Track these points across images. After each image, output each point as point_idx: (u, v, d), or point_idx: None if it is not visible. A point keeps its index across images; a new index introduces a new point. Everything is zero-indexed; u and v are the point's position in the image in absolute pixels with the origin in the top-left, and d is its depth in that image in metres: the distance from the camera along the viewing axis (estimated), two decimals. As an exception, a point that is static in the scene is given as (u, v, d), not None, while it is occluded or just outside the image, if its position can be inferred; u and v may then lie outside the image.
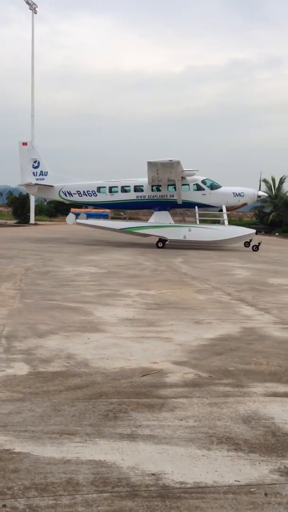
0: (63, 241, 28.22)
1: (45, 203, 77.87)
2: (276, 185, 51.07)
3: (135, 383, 5.14)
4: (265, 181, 50.90)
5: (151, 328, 7.69)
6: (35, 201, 57.78)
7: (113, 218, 31.61)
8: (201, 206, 27.41)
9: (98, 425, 4.10)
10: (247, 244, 26.65)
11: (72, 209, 68.73)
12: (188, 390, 5.00)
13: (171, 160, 24.26)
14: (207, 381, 5.28)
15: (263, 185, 47.49)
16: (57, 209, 72.85)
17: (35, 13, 53.56)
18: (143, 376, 5.37)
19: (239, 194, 27.58)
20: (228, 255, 23.35)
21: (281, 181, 51.49)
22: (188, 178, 27.07)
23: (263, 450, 3.78)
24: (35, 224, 52.45)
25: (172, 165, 24.60)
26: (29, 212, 54.23)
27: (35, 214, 55.85)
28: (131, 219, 31.33)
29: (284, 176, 51.70)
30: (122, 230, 28.02)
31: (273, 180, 51.72)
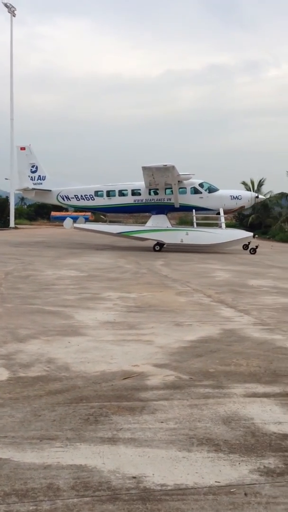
0: (43, 245, 28.07)
1: (25, 206, 77.28)
2: (255, 188, 51.59)
3: (116, 386, 5.14)
4: (244, 183, 51.43)
5: (132, 331, 7.69)
6: (15, 205, 57.41)
7: (111, 222, 32.22)
8: (199, 209, 27.43)
9: (78, 430, 4.09)
10: (245, 246, 26.71)
11: (53, 212, 68.41)
12: (169, 393, 5.01)
13: (166, 165, 24.28)
14: (187, 383, 5.31)
15: (242, 187, 47.99)
16: (37, 213, 72.49)
17: (14, 16, 53.31)
18: (124, 379, 5.38)
19: (237, 197, 27.62)
20: (209, 257, 23.49)
21: (260, 183, 52.12)
22: (185, 181, 27.10)
23: (243, 450, 3.81)
24: (15, 227, 52.07)
25: (168, 170, 24.61)
26: (8, 216, 53.81)
27: (15, 218, 55.46)
28: (112, 222, 31.52)
29: (262, 178, 52.37)
30: (119, 234, 28.11)
31: (252, 182, 52.31)
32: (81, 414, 4.39)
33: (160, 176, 25.63)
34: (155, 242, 26.37)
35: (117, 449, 3.77)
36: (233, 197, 27.61)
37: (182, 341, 7.15)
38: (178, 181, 26.22)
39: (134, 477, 3.37)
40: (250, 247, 26.21)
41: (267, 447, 3.87)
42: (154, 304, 10.17)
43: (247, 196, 28.25)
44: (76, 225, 28.70)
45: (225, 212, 27.71)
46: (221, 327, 8.11)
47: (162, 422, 4.29)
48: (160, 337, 7.37)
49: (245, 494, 3.21)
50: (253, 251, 25.77)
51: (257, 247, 26.07)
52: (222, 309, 9.91)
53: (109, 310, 9.40)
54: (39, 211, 71.71)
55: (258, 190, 51.23)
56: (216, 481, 3.35)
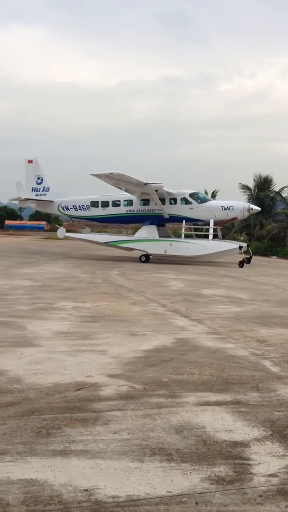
0: (-4, 254, 27.48)
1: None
2: (209, 198, 52.43)
3: (69, 397, 5.09)
4: (198, 194, 52.14)
5: (86, 341, 7.64)
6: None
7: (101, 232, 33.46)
8: (189, 220, 27.31)
9: (30, 443, 4.02)
10: (247, 260, 25.83)
11: (7, 221, 67.33)
12: (123, 403, 5.01)
13: (112, 172, 24.46)
14: (141, 393, 5.32)
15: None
16: (-12, 222, 71.03)
17: None
18: (77, 390, 5.33)
19: (228, 208, 26.98)
20: (164, 267, 23.68)
21: (213, 194, 52.95)
22: (175, 192, 27.28)
23: (194, 459, 3.85)
24: None
25: (122, 177, 24.83)
26: None
27: None
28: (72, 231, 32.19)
29: (216, 189, 53.26)
30: (106, 244, 28.51)
31: (206, 193, 53.01)
32: (32, 427, 4.32)
33: (130, 186, 25.91)
34: (141, 252, 26.34)
35: (69, 462, 3.73)
36: (224, 207, 26.99)
37: (136, 350, 7.16)
38: (156, 191, 26.31)
39: (86, 490, 3.34)
40: (241, 259, 25.50)
41: (218, 455, 3.93)
42: (108, 314, 10.15)
43: (239, 207, 27.28)
44: (67, 234, 29.93)
45: (217, 224, 27.14)
46: (175, 337, 8.18)
47: (115, 433, 4.28)
48: (114, 347, 7.36)
49: (196, 503, 3.24)
50: (241, 264, 25.22)
51: (244, 260, 25.63)
52: (176, 318, 10.00)
53: (63, 320, 9.31)
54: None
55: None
56: (167, 491, 3.37)
